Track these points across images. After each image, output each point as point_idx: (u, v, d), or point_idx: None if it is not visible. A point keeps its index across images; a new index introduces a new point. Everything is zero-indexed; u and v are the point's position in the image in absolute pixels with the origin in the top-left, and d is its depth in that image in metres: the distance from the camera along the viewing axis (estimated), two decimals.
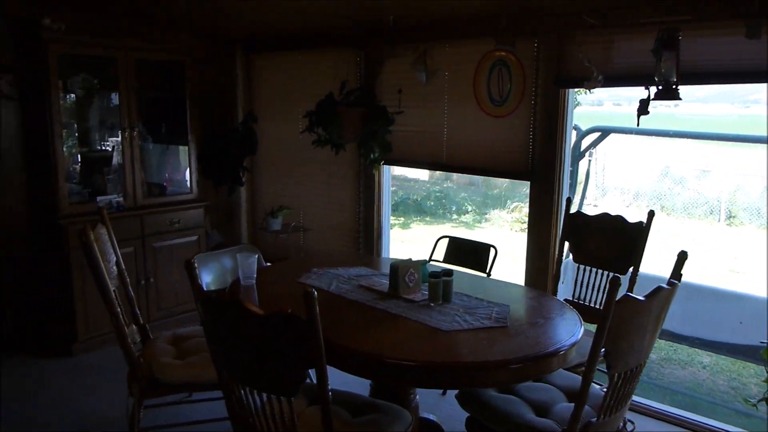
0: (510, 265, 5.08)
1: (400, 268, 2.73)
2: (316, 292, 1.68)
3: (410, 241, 8.65)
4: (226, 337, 1.87)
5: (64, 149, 4.09)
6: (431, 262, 3.54)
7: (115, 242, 2.88)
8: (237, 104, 5.24)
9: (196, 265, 3.33)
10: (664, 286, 2.00)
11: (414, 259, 2.90)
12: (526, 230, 3.86)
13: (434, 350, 2.18)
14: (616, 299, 1.87)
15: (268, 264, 4.98)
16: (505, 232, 8.60)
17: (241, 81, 5.21)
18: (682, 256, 2.29)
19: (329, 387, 2.47)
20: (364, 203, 4.52)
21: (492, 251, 3.53)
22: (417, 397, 2.65)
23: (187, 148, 4.69)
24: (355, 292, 2.76)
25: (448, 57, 3.93)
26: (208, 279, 3.29)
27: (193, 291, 1.95)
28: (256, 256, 2.94)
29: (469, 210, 9.40)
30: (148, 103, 4.63)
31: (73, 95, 4.25)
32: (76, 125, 4.37)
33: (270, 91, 5.14)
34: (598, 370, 2.07)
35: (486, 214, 9.12)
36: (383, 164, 4.30)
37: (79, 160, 4.40)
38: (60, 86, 3.99)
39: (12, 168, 4.08)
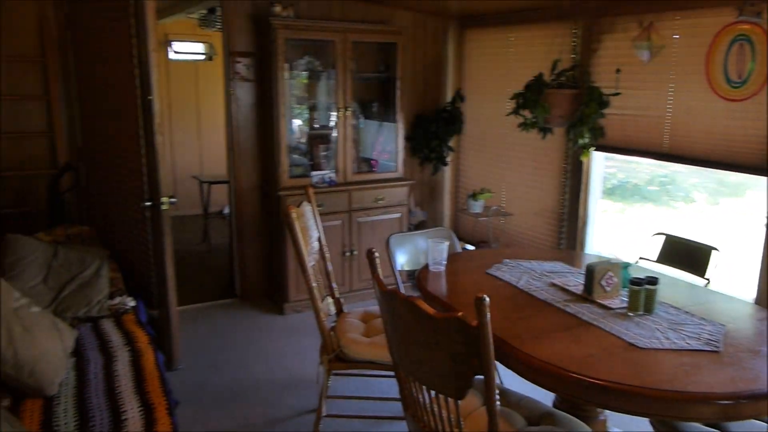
0: (743, 268, 4.39)
1: (597, 269, 2.50)
2: (488, 299, 1.60)
3: (626, 229, 7.97)
4: (399, 329, 1.89)
5: (290, 126, 4.50)
6: (640, 262, 3.20)
7: (319, 219, 3.08)
8: (446, 83, 5.25)
9: (391, 244, 3.44)
10: None
11: (621, 255, 2.64)
12: (765, 233, 3.29)
13: (625, 370, 1.95)
14: None
15: (467, 247, 4.97)
16: (742, 227, 7.47)
17: (452, 59, 5.19)
18: None
19: (509, 388, 2.40)
20: (569, 190, 4.25)
21: (714, 254, 3.07)
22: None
23: (395, 126, 4.84)
24: (545, 291, 2.61)
25: (677, 31, 3.45)
26: (402, 259, 3.37)
27: (373, 280, 2.00)
28: (447, 243, 2.93)
29: (698, 198, 8.34)
30: (362, 82, 4.86)
31: (300, 75, 4.62)
32: (300, 104, 4.75)
33: (479, 70, 5.05)
34: None
35: (719, 204, 8.01)
36: (593, 150, 3.97)
37: (302, 136, 4.79)
38: (286, 68, 4.37)
39: (246, 141, 4.60)
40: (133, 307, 3.31)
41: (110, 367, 2.65)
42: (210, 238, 6.20)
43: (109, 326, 3.07)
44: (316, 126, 4.77)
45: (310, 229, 2.92)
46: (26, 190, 3.90)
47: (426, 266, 2.94)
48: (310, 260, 2.80)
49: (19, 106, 3.81)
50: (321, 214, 4.41)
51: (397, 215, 4.81)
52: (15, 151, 3.84)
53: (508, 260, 3.03)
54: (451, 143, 5.16)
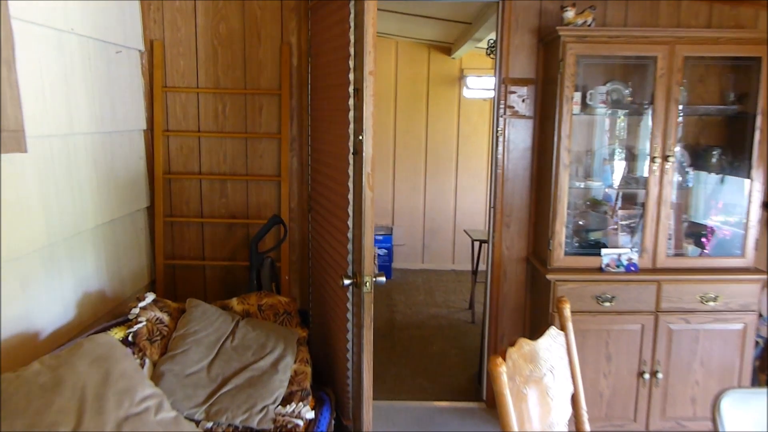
0: None
1: None
2: None
3: None
4: None
5: (574, 181, 3.18)
6: None
7: (576, 363, 1.72)
8: None
9: (722, 409, 1.92)
10: None
11: None
12: None
13: None
14: None
15: None
16: None
17: None
18: None
19: None
20: None
21: None
22: None
23: (746, 184, 3.09)
24: None
25: None
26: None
27: None
28: None
29: None
30: (695, 119, 3.28)
31: (599, 108, 3.25)
32: (594, 151, 3.39)
33: None
34: None
35: None
36: None
37: (594, 195, 3.41)
38: (577, 99, 3.09)
39: (514, 195, 3.40)
40: (310, 420, 2.41)
41: None
42: (475, 305, 5.13)
43: None
44: (617, 182, 3.33)
45: (552, 380, 1.59)
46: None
47: None
48: None
49: (251, 145, 3.33)
50: (611, 313, 2.98)
51: (739, 326, 3.03)
52: (243, 195, 3.37)
53: None
54: None
